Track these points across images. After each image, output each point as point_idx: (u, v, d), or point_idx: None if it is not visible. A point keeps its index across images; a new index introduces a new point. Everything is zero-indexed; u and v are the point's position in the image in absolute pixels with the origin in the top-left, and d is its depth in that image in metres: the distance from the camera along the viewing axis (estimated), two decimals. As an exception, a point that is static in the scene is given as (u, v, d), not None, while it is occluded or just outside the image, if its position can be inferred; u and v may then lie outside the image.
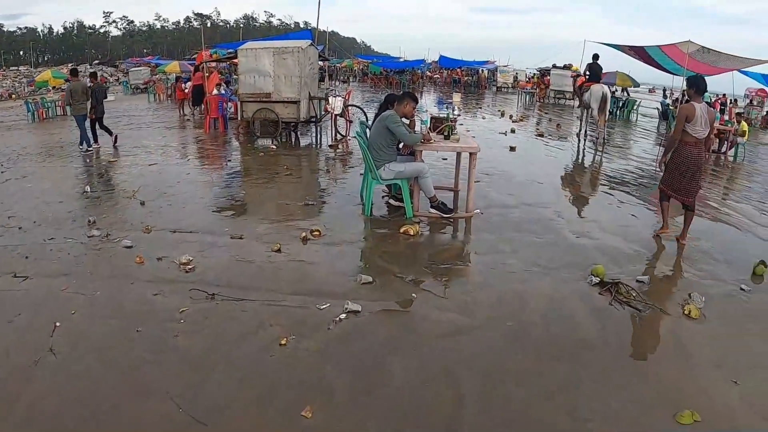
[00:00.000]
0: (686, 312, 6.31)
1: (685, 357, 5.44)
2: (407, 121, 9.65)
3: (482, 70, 58.04)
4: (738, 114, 25.87)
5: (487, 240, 8.57)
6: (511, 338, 5.60)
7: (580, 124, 22.56)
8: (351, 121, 18.62)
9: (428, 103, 34.06)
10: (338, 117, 18.37)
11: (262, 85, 17.45)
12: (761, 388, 4.93)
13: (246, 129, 18.95)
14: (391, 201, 10.23)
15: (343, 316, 5.86)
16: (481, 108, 33.80)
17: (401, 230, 8.59)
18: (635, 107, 35.51)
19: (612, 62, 41.17)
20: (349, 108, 18.62)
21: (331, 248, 7.93)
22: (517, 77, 54.38)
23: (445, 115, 10.60)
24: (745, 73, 33.25)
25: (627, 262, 7.82)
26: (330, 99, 17.97)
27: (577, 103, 39.39)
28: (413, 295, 6.50)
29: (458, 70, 57.75)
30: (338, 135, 18.08)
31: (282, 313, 5.93)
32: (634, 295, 6.66)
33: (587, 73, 21.87)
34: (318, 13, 22.69)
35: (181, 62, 48.59)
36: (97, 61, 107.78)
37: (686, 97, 10.00)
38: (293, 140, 18.12)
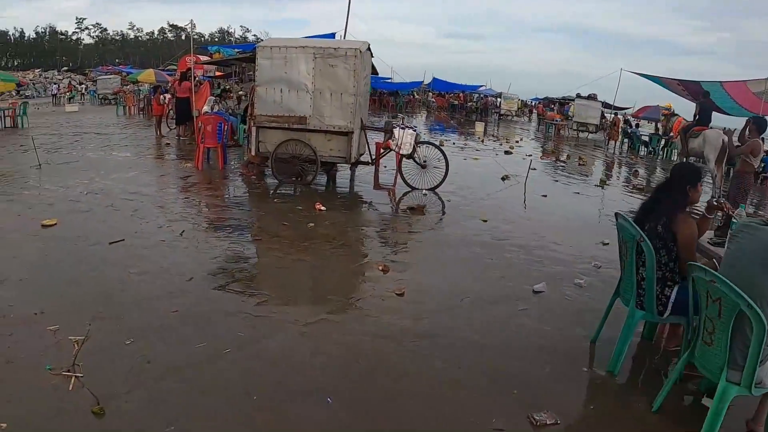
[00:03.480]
0: None
1: None
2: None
3: (487, 96, 51.63)
4: None
5: None
6: None
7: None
8: (424, 166, 11.65)
9: (435, 131, 27.62)
10: (404, 159, 11.56)
11: (293, 105, 10.89)
12: None
13: (260, 168, 12.05)
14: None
15: None
16: (524, 144, 27.09)
17: None
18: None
19: (628, 92, 35.37)
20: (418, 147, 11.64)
21: None
22: (553, 105, 48.29)
23: None
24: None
25: None
26: (396, 132, 11.08)
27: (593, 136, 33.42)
28: None
29: (459, 94, 51.20)
30: (405, 188, 11.59)
31: None
32: None
33: (697, 114, 16.80)
34: (348, 15, 15.51)
35: (156, 71, 40.94)
36: (66, 68, 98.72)
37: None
38: (330, 187, 11.84)
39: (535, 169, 16.31)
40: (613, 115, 35.60)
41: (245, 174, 11.90)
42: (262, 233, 7.94)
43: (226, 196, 10.28)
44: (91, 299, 5.34)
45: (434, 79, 51.71)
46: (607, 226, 10.53)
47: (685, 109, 26.39)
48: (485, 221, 9.53)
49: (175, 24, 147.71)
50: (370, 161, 11.77)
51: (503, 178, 14.15)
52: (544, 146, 26.69)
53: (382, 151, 11.78)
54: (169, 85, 24.43)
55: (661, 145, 28.57)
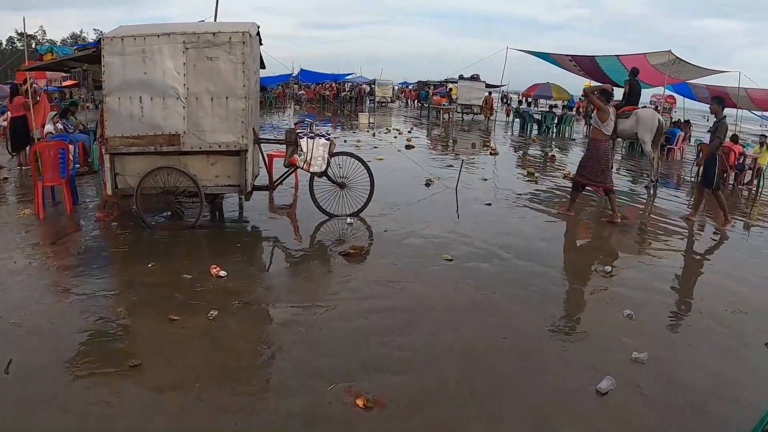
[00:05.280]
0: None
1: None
2: None
3: (360, 84, 48.80)
4: (763, 135, 18.36)
5: None
6: None
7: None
8: (343, 186, 8.80)
9: (326, 128, 24.90)
10: (316, 177, 8.65)
11: (159, 119, 7.65)
12: None
13: (121, 209, 8.83)
14: None
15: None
16: (418, 134, 24.51)
17: None
18: (572, 122, 28.36)
19: (513, 72, 33.96)
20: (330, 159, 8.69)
21: None
22: (428, 89, 45.86)
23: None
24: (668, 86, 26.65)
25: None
26: (303, 143, 8.13)
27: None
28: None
29: (331, 84, 48.16)
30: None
31: None
32: None
33: (626, 93, 14.71)
34: (217, 3, 12.18)
35: (-9, 85, 35.15)
36: None
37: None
38: (217, 221, 8.91)
39: (451, 166, 13.91)
40: (486, 95, 34.30)
41: (102, 220, 8.52)
42: (140, 347, 4.64)
43: (79, 265, 6.75)
44: None
45: (302, 70, 48.57)
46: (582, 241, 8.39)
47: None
48: (450, 260, 6.88)
49: (23, 32, 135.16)
50: (270, 186, 8.77)
51: (427, 184, 11.60)
52: (441, 136, 24.32)
53: (284, 169, 8.80)
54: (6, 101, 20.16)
55: (555, 123, 27.25)
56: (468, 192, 11.06)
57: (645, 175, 15.68)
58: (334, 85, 47.67)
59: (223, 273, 6.17)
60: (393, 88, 50.02)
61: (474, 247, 7.55)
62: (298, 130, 8.45)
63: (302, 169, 8.36)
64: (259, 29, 8.53)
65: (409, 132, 23.45)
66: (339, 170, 8.76)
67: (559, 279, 6.54)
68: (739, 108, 27.18)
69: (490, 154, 17.75)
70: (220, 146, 7.72)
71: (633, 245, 8.59)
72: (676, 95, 34.20)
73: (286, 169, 8.74)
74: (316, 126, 9.54)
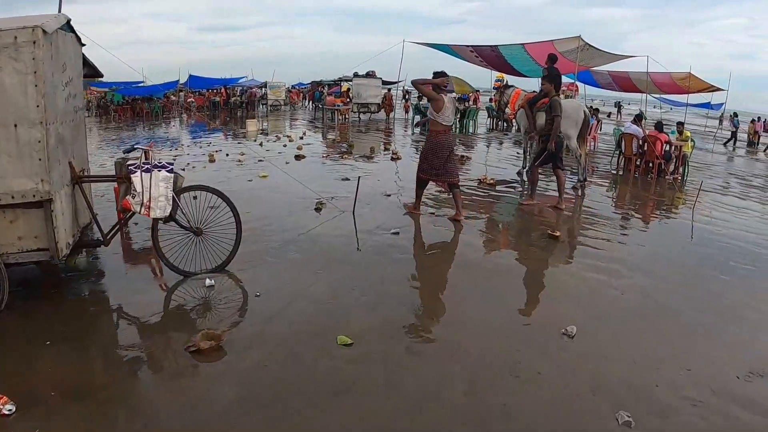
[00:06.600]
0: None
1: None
2: None
3: (251, 87, 45.97)
4: (680, 123, 17.48)
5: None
6: None
7: (525, 157, 14.33)
8: (199, 232, 6.60)
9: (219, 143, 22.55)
10: (161, 223, 6.36)
11: None
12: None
13: None
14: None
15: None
16: (311, 139, 22.36)
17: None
18: (476, 116, 27.33)
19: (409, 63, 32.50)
20: (181, 196, 6.46)
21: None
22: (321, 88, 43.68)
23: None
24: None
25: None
26: (135, 179, 5.93)
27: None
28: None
29: (221, 89, 45.09)
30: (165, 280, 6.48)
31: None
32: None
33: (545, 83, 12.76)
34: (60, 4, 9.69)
35: None
36: None
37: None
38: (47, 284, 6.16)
39: (348, 179, 11.96)
40: (386, 92, 33.03)
41: None
42: None
43: None
44: None
45: (191, 76, 45.52)
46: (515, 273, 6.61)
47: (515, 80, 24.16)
48: (350, 344, 4.79)
49: None
50: (102, 239, 6.49)
51: (317, 208, 9.55)
52: (336, 140, 22.13)
53: (124, 212, 6.55)
54: None
55: (458, 117, 25.90)
56: (369, 215, 9.12)
57: (569, 173, 14.25)
58: (224, 90, 44.80)
59: (9, 408, 3.76)
60: (287, 90, 47.78)
61: (382, 313, 5.45)
62: (128, 162, 6.23)
63: (138, 212, 6.16)
64: (70, 21, 6.20)
65: (301, 138, 21.27)
66: (192, 211, 6.63)
67: (509, 358, 4.62)
68: (645, 93, 26.61)
69: (392, 159, 15.88)
70: (13, 197, 5.38)
71: (581, 276, 6.88)
72: (578, 83, 33.41)
73: (124, 215, 6.53)
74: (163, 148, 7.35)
